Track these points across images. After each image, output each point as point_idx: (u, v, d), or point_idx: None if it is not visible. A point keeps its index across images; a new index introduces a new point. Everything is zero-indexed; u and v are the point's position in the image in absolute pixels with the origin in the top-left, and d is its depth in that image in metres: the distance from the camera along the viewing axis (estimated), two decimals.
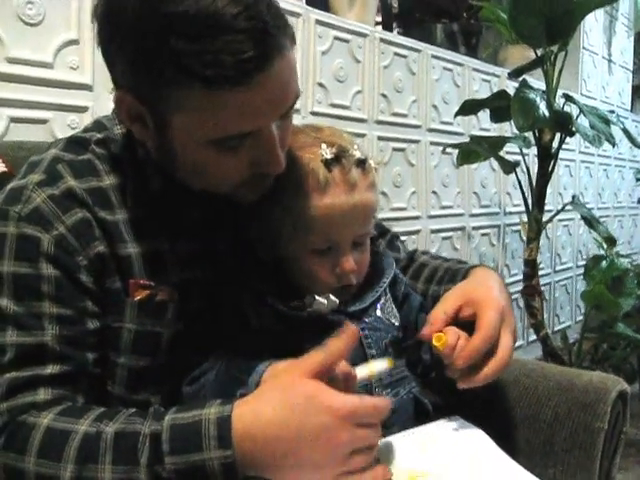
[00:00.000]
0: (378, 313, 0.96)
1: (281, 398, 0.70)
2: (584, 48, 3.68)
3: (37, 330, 0.80)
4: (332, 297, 0.89)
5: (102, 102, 1.49)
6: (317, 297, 0.89)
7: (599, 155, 3.96)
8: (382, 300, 0.97)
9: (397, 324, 0.98)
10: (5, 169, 1.11)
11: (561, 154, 2.26)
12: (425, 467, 0.82)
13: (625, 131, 2.28)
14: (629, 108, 4.46)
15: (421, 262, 1.13)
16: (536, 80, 2.49)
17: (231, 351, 0.86)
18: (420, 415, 0.95)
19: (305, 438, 0.68)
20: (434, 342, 0.87)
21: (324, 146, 0.87)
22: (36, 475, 0.73)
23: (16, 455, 0.75)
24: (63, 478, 0.72)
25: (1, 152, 1.13)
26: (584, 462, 1.06)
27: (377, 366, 0.81)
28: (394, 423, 0.89)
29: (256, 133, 0.79)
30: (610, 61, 4.09)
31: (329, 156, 0.87)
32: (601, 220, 3.80)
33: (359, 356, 0.89)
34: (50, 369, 0.79)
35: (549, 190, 2.29)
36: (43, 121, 1.41)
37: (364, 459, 0.70)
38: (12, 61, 1.35)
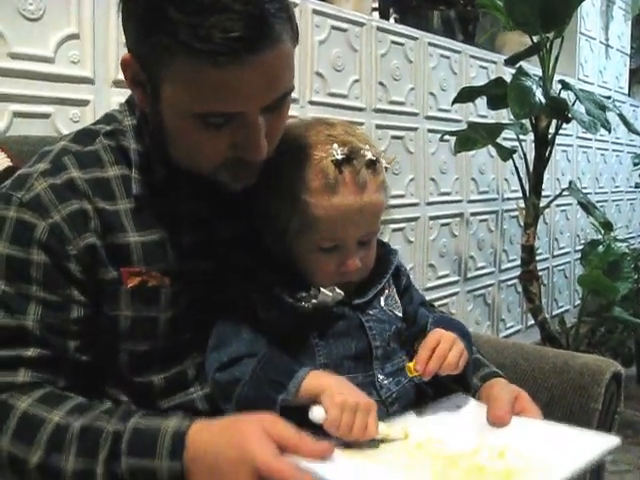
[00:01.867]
0: (382, 305, 0.97)
1: (230, 439, 0.74)
2: (581, 33, 3.69)
3: (21, 314, 0.83)
4: (337, 290, 0.91)
5: (103, 95, 1.51)
6: (322, 290, 0.90)
7: (597, 140, 3.98)
8: (386, 292, 0.98)
9: (400, 315, 0.99)
10: (10, 163, 1.13)
11: (559, 139, 2.28)
12: (426, 433, 0.85)
13: (621, 116, 2.30)
14: (626, 92, 4.47)
15: None
16: (533, 66, 2.51)
17: (259, 342, 0.87)
18: (421, 402, 0.97)
19: (219, 473, 0.74)
20: (408, 373, 0.90)
21: (335, 146, 0.88)
22: (8, 455, 0.79)
23: None
24: (31, 462, 0.78)
25: (6, 147, 1.15)
26: None
27: (394, 433, 0.85)
28: (396, 411, 0.91)
29: (240, 117, 0.81)
30: (607, 45, 4.10)
31: (340, 156, 0.87)
32: (599, 205, 3.83)
33: (363, 347, 0.91)
34: (31, 352, 0.83)
35: (547, 176, 2.32)
36: (46, 115, 1.43)
37: None
38: (14, 56, 1.37)
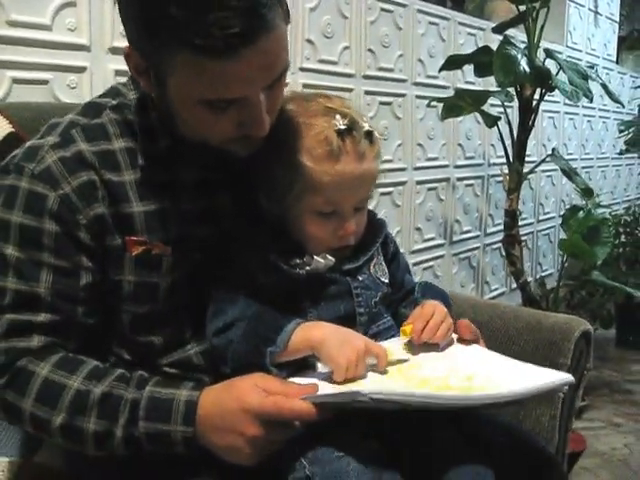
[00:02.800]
0: (371, 271, 1.03)
1: (229, 397, 0.85)
2: (570, 0, 3.71)
3: (33, 281, 0.89)
4: (329, 257, 0.97)
5: (99, 62, 1.55)
6: (315, 257, 0.96)
7: (583, 107, 4.02)
8: (375, 259, 1.05)
9: (386, 281, 1.05)
10: (12, 129, 1.17)
11: (545, 106, 2.33)
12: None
13: (604, 86, 2.35)
14: (615, 59, 4.50)
15: None
16: (522, 33, 2.54)
17: (253, 302, 0.94)
18: None
19: (225, 428, 0.85)
20: (402, 335, 0.97)
21: (338, 116, 0.94)
22: (31, 415, 0.88)
23: (16, 395, 0.89)
24: (54, 423, 0.87)
25: (7, 113, 1.18)
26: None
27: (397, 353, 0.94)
28: None
29: (243, 99, 0.86)
30: (596, 13, 4.12)
31: (342, 126, 0.93)
32: (584, 171, 3.89)
33: (351, 310, 0.98)
34: (42, 317, 0.90)
35: (533, 142, 2.37)
36: (44, 82, 1.46)
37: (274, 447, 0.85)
38: (12, 24, 1.40)
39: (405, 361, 0.93)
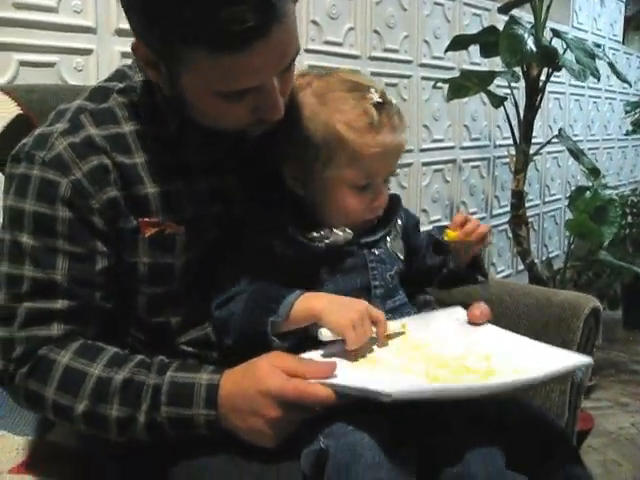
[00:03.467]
0: (388, 245, 1.04)
1: (249, 381, 0.85)
2: None
3: (49, 268, 0.90)
4: (347, 230, 0.98)
5: (105, 44, 1.55)
6: (334, 230, 0.97)
7: (589, 88, 4.00)
8: (392, 234, 1.06)
9: (402, 257, 1.06)
10: (21, 111, 1.17)
11: (551, 87, 2.32)
12: (424, 336, 0.95)
13: (611, 65, 2.34)
14: (621, 40, 4.46)
15: None
16: (527, 13, 2.53)
17: (256, 278, 0.94)
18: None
19: (247, 411, 0.85)
20: (446, 237, 1.03)
21: (372, 90, 0.96)
22: (53, 402, 0.89)
23: (38, 384, 0.89)
24: (77, 410, 0.88)
25: (15, 95, 1.19)
26: None
27: (392, 326, 0.95)
28: None
29: (258, 87, 0.86)
30: None
31: (378, 99, 0.95)
32: (590, 152, 3.88)
33: (367, 282, 0.99)
34: (60, 304, 0.90)
35: (539, 123, 2.36)
36: (51, 64, 1.47)
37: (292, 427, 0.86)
38: (18, 6, 1.40)
39: (401, 334, 0.95)
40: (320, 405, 0.83)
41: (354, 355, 0.88)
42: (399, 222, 1.10)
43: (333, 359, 0.86)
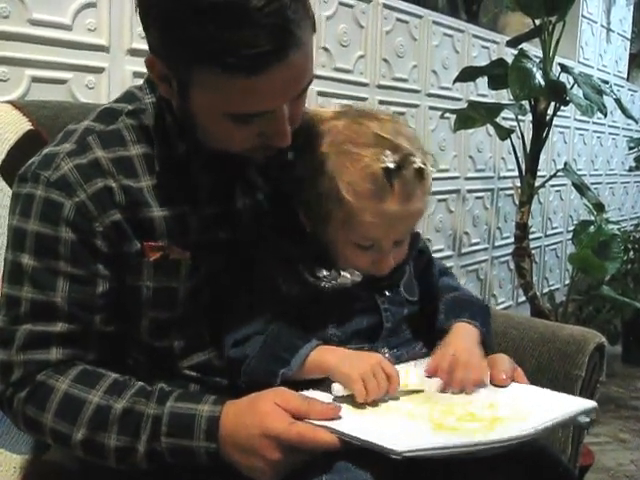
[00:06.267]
0: (400, 288, 1.00)
1: (252, 419, 0.83)
2: (583, 16, 3.71)
3: (49, 290, 0.88)
4: (357, 272, 0.94)
5: (118, 63, 1.55)
6: (342, 272, 0.93)
7: (594, 123, 4.02)
8: (406, 275, 1.01)
9: (414, 299, 1.02)
10: (31, 127, 1.17)
11: (556, 121, 2.33)
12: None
13: (617, 101, 2.36)
14: (625, 77, 4.50)
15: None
16: (534, 47, 2.55)
17: (270, 318, 0.92)
18: None
19: (248, 450, 0.83)
20: None
21: (388, 152, 0.87)
22: (51, 430, 0.88)
23: (36, 410, 0.88)
24: (75, 438, 0.87)
25: (26, 111, 1.19)
26: None
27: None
28: None
29: (268, 112, 0.85)
30: (609, 29, 4.12)
31: (391, 164, 0.86)
32: (593, 187, 3.89)
33: (375, 324, 0.95)
34: (59, 327, 0.89)
35: (543, 156, 2.36)
36: (63, 81, 1.47)
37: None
38: (33, 23, 1.41)
39: (420, 391, 0.90)
40: (323, 451, 0.80)
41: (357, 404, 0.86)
42: (424, 258, 1.07)
43: (338, 401, 0.85)
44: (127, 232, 0.91)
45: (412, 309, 1.01)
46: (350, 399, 0.86)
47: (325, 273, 0.93)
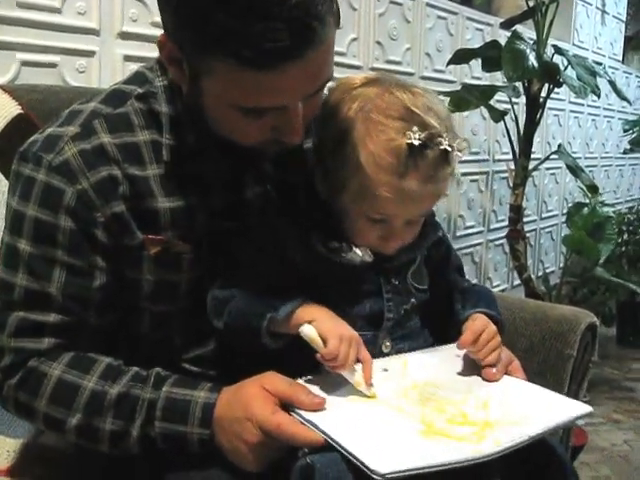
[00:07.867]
0: (408, 275, 0.97)
1: (238, 402, 0.84)
2: None
3: (44, 279, 0.87)
4: (369, 252, 0.91)
5: (108, 47, 1.54)
6: (354, 248, 0.91)
7: (588, 105, 4.02)
8: (417, 262, 0.99)
9: (423, 287, 0.99)
10: (21, 111, 1.17)
11: (551, 104, 2.33)
12: (424, 374, 0.91)
13: (611, 83, 2.35)
14: (620, 59, 4.49)
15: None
16: (528, 29, 2.54)
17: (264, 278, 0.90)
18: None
19: (232, 433, 0.83)
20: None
21: (415, 128, 0.83)
22: (45, 415, 0.87)
23: (28, 396, 0.88)
24: (70, 423, 0.86)
25: (16, 95, 1.18)
26: (555, 385, 1.17)
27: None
28: None
29: (281, 107, 0.81)
30: (604, 12, 4.11)
31: (416, 142, 0.83)
32: (588, 170, 3.89)
33: (377, 311, 0.93)
34: (52, 318, 0.87)
35: (537, 139, 2.37)
36: (53, 65, 1.46)
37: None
38: (22, 5, 1.39)
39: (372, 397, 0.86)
40: (304, 445, 0.79)
41: (352, 387, 0.85)
42: (442, 248, 1.05)
43: (329, 390, 0.84)
44: (129, 224, 0.88)
45: (421, 297, 0.99)
46: (340, 377, 0.85)
47: (336, 244, 0.91)
